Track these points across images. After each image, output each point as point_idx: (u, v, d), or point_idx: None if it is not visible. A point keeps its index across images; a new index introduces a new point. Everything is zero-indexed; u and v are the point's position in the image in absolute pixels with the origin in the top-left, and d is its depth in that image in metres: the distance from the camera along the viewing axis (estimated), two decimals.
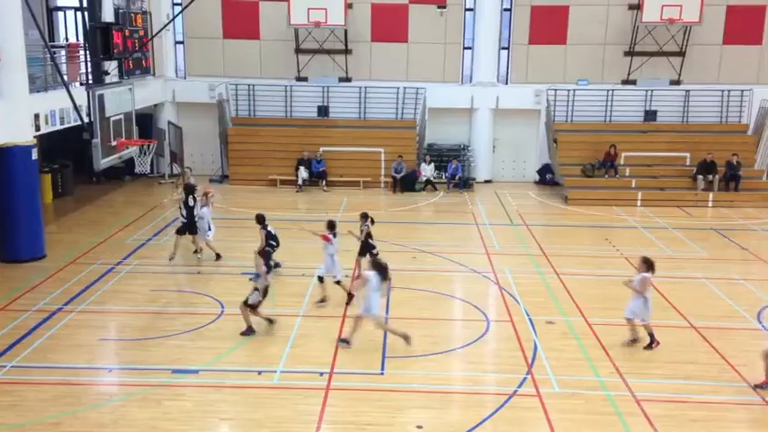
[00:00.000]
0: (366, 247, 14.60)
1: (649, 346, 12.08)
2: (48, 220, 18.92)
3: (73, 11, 24.24)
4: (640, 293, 11.94)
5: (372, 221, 14.74)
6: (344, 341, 11.99)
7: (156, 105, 26.54)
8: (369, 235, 14.63)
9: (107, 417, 9.75)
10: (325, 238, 13.60)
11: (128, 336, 12.38)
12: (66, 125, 18.35)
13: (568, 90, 25.95)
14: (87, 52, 16.14)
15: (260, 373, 11.11)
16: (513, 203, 23.52)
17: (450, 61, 26.81)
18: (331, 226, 13.80)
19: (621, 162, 24.82)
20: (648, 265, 12.02)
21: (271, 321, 12.53)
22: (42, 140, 19.29)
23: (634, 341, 12.20)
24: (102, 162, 14.70)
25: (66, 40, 24.37)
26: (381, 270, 11.75)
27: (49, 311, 13.40)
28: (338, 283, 13.91)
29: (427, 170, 25.41)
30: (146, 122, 25.25)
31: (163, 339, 12.20)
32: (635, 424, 9.84)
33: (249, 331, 12.32)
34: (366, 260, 14.38)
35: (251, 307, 12.28)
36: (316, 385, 10.68)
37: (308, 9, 24.84)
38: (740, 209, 22.89)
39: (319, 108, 26.72)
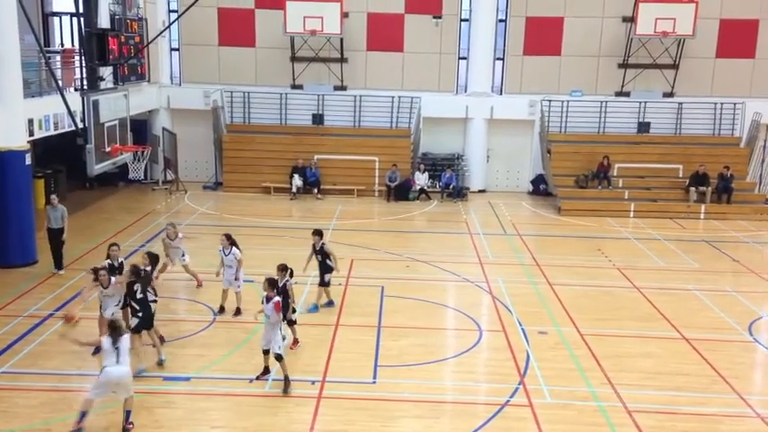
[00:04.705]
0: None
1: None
2: (40, 226, 18.76)
3: (69, 16, 24.23)
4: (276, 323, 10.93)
5: (291, 274, 12.25)
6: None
7: (150, 112, 26.54)
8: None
9: (97, 424, 9.69)
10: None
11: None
12: (61, 130, 18.32)
13: (562, 101, 26.07)
14: (83, 58, 16.17)
15: (251, 381, 11.07)
16: (507, 213, 23.57)
17: (446, 71, 26.90)
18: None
19: (614, 173, 24.91)
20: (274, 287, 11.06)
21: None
22: (36, 145, 19.24)
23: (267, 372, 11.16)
24: (96, 168, 14.68)
25: (62, 45, 24.35)
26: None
27: (39, 317, 13.35)
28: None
29: (421, 179, 25.45)
30: (140, 129, 25.25)
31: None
32: None
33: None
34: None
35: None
36: (307, 394, 10.65)
37: (304, 17, 24.88)
38: (732, 221, 22.99)
39: (314, 116, 26.77)
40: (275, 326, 10.91)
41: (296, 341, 12.30)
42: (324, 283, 14.04)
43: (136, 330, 11.24)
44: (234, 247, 13.77)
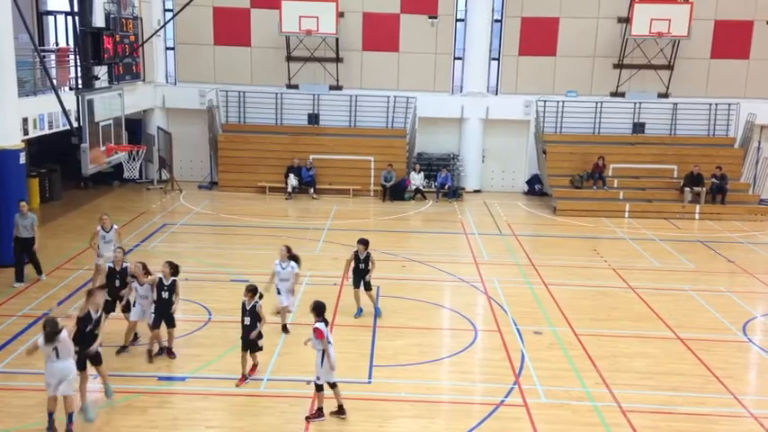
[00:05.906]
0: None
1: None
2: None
3: (63, 15, 24.15)
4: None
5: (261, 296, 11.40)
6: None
7: (145, 111, 26.47)
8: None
9: (92, 424, 9.67)
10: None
11: (114, 342, 12.27)
12: (55, 129, 18.27)
13: (558, 101, 26.11)
14: (77, 57, 16.13)
15: (247, 380, 11.06)
16: (502, 213, 23.59)
17: (441, 71, 26.91)
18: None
19: (610, 173, 24.96)
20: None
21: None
22: (30, 144, 19.17)
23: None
24: (91, 167, 14.64)
25: (57, 44, 24.27)
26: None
27: (34, 317, 13.28)
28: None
29: (417, 179, 25.46)
30: (135, 128, 25.20)
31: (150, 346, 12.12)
32: None
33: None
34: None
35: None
36: (302, 393, 10.63)
37: (300, 17, 24.86)
38: (726, 221, 23.06)
39: (310, 116, 26.73)
40: (319, 354, 9.95)
41: (254, 367, 11.28)
42: (370, 288, 13.86)
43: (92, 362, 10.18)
44: (293, 261, 12.81)
